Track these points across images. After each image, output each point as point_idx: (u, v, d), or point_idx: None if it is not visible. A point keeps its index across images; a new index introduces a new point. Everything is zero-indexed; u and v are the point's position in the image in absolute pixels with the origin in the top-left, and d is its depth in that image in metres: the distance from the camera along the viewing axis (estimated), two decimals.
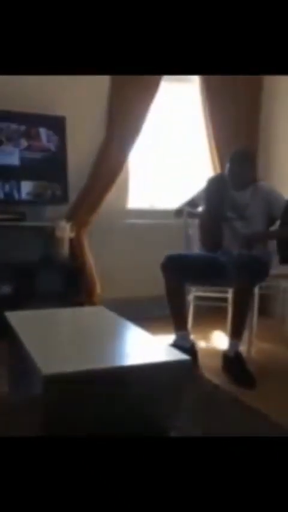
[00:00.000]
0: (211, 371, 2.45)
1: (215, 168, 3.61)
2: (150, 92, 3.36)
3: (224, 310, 2.95)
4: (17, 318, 1.93)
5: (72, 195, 3.20)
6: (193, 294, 2.92)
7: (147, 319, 2.65)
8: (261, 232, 2.67)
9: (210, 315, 3.10)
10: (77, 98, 3.21)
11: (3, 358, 2.07)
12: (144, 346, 1.74)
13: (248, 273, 2.45)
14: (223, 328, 2.99)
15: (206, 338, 3.06)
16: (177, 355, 1.62)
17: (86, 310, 2.42)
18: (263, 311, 3.21)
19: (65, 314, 2.21)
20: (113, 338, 1.82)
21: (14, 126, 2.96)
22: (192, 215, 2.85)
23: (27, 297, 2.89)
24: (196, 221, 2.88)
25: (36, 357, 1.47)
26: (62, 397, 1.36)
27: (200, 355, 2.59)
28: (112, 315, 2.05)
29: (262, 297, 3.05)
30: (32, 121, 3.00)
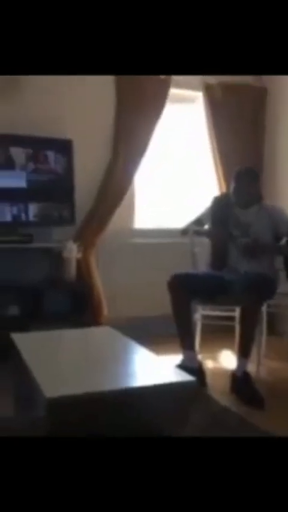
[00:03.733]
0: (219, 391, 2.42)
1: (220, 187, 3.63)
2: (156, 113, 3.41)
3: (231, 329, 2.93)
4: (22, 340, 1.94)
5: (79, 216, 3.23)
6: (200, 313, 2.91)
7: (154, 338, 2.64)
8: (263, 242, 2.64)
9: (217, 334, 3.07)
10: (83, 121, 3.26)
11: (9, 380, 2.07)
12: (150, 368, 1.72)
13: (255, 291, 2.44)
14: (231, 347, 2.97)
15: (214, 358, 3.03)
16: (183, 376, 1.60)
17: (92, 331, 2.41)
18: (272, 330, 3.18)
19: (71, 335, 2.20)
20: (118, 359, 1.81)
21: (21, 149, 3.01)
22: (198, 233, 2.86)
23: (34, 318, 2.90)
24: (202, 240, 2.89)
25: (40, 379, 1.47)
26: (66, 420, 1.35)
27: (208, 375, 2.56)
28: (118, 336, 2.05)
29: (270, 316, 3.03)
30: (39, 144, 3.05)
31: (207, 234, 2.81)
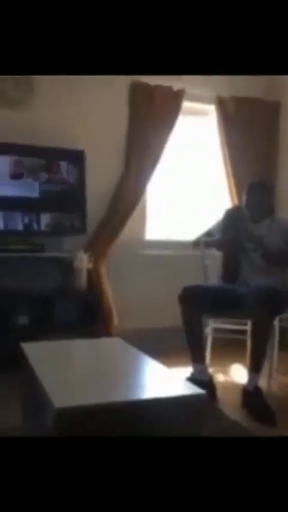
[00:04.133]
0: (230, 406, 2.38)
1: (232, 199, 3.62)
2: (168, 125, 3.43)
3: (243, 343, 2.89)
4: (32, 349, 1.93)
5: (91, 227, 3.24)
6: (211, 326, 2.88)
7: (165, 350, 2.62)
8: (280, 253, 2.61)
9: (229, 348, 3.04)
10: (96, 131, 3.29)
11: (18, 389, 2.06)
12: (159, 380, 1.70)
13: (267, 305, 2.41)
14: (242, 361, 2.93)
15: (225, 371, 2.99)
16: (193, 389, 1.58)
17: (102, 341, 2.40)
18: (284, 344, 3.13)
19: (81, 345, 2.19)
20: (128, 371, 1.79)
21: (34, 160, 3.04)
22: (209, 244, 2.84)
23: (44, 328, 2.89)
24: (213, 252, 2.87)
25: (49, 388, 1.45)
26: (74, 431, 1.33)
27: (218, 389, 2.52)
28: (127, 347, 2.03)
29: (282, 330, 2.98)
30: (52, 155, 3.08)
31: (218, 244, 2.79)
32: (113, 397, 1.45)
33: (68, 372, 1.74)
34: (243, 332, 2.88)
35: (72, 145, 3.14)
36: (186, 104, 3.50)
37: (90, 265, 3.17)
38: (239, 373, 2.91)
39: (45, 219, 3.08)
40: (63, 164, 3.11)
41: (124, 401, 1.43)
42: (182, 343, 2.56)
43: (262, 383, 2.45)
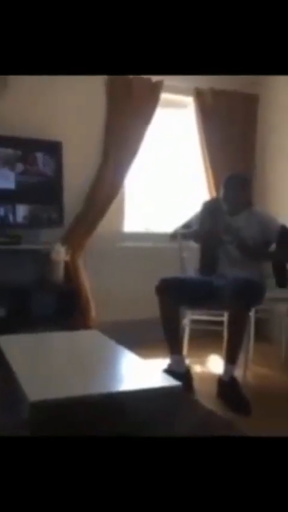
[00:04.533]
0: (207, 396, 2.41)
1: (210, 192, 3.63)
2: (146, 117, 3.41)
3: (220, 334, 2.93)
4: (8, 342, 1.92)
5: (68, 219, 3.21)
6: (189, 317, 2.90)
7: (142, 342, 2.63)
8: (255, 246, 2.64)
9: (206, 339, 3.07)
10: (73, 123, 3.25)
11: None
12: (136, 372, 1.71)
13: (243, 296, 2.44)
14: (219, 352, 2.96)
15: (202, 362, 3.02)
16: (169, 381, 1.60)
17: (79, 334, 2.40)
18: (259, 335, 3.18)
19: (58, 338, 2.19)
20: (104, 363, 1.80)
21: (10, 150, 2.99)
22: (186, 236, 2.85)
23: (21, 320, 2.87)
24: (191, 244, 2.89)
25: (24, 382, 1.45)
26: (49, 424, 1.33)
27: (195, 380, 2.55)
28: (105, 340, 2.03)
29: (258, 321, 3.03)
30: (28, 146, 3.04)
31: (196, 236, 2.80)
32: (89, 390, 1.46)
33: (44, 365, 1.74)
34: (221, 323, 2.91)
35: (49, 136, 3.10)
36: (165, 96, 3.48)
37: (67, 258, 3.15)
38: (215, 364, 2.94)
39: (21, 210, 3.04)
40: (40, 155, 3.07)
41: (99, 393, 1.44)
42: (160, 335, 2.57)
43: (238, 373, 2.48)
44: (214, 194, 3.54)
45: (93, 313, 3.29)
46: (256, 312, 2.85)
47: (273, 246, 2.68)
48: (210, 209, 2.81)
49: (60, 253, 3.08)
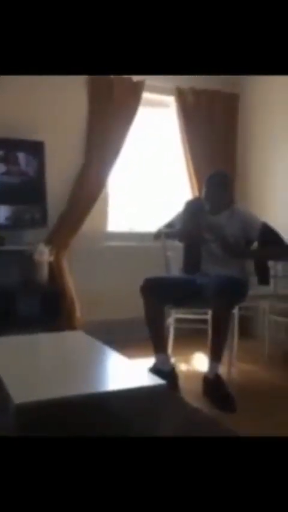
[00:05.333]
0: (192, 394, 2.43)
1: (193, 191, 3.66)
2: (128, 116, 3.42)
3: (205, 332, 2.95)
4: None
5: (52, 219, 3.20)
6: (173, 316, 2.92)
7: (128, 341, 2.64)
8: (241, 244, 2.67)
9: (191, 337, 3.09)
10: (55, 123, 3.24)
11: None
12: (121, 372, 1.72)
13: (226, 294, 2.46)
14: (204, 350, 2.99)
15: (187, 361, 3.04)
16: (154, 380, 1.60)
17: (64, 335, 2.39)
18: (244, 332, 3.22)
19: (43, 339, 2.18)
20: (90, 364, 1.80)
21: None
22: (169, 235, 2.87)
23: (5, 322, 2.85)
24: (175, 243, 2.90)
25: (9, 384, 1.44)
26: (35, 426, 1.33)
27: (180, 378, 2.57)
28: (90, 340, 2.03)
29: (242, 319, 3.06)
30: (10, 146, 3.02)
31: (179, 235, 2.82)
32: (74, 391, 1.46)
33: (30, 367, 1.73)
34: (205, 321, 2.94)
35: (32, 136, 3.08)
36: (146, 96, 3.49)
37: (51, 258, 3.14)
38: (200, 362, 2.96)
39: (4, 211, 3.02)
40: (22, 155, 3.05)
41: (85, 394, 1.44)
42: (145, 334, 2.58)
43: (223, 371, 2.51)
44: (196, 193, 3.57)
45: (78, 313, 3.29)
46: (240, 309, 2.89)
47: (255, 244, 2.72)
48: (192, 208, 2.83)
49: (44, 254, 3.07)
